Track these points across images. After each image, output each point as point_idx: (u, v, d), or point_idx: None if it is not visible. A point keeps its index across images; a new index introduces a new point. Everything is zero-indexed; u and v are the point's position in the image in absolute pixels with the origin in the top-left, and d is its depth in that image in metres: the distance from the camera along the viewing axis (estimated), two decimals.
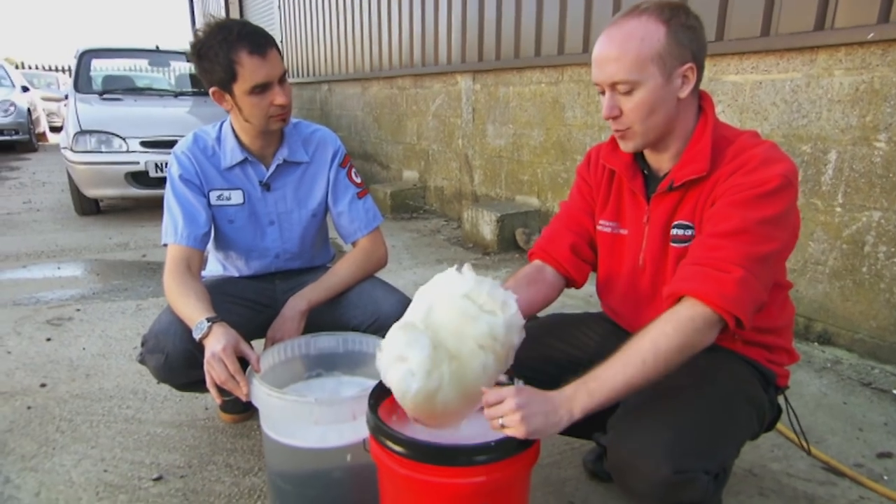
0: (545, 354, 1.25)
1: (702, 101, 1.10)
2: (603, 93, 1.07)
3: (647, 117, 1.04)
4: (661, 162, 1.13)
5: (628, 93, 1.03)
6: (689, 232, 1.08)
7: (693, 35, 1.02)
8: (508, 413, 0.92)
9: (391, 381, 0.99)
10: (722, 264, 0.96)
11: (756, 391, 1.10)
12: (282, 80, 1.44)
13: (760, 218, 0.96)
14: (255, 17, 9.84)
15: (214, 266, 1.75)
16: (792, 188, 0.99)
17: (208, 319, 1.31)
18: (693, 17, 1.03)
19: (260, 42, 1.38)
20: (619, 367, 0.95)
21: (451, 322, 0.98)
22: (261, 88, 1.40)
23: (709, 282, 0.95)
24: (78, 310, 2.73)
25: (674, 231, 1.10)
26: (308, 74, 7.73)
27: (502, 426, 0.92)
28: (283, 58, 1.47)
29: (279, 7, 8.54)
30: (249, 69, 1.37)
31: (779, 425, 1.28)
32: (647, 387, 0.95)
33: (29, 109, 9.31)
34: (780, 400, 1.22)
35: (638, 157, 1.17)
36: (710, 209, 1.03)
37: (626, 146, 1.11)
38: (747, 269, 0.95)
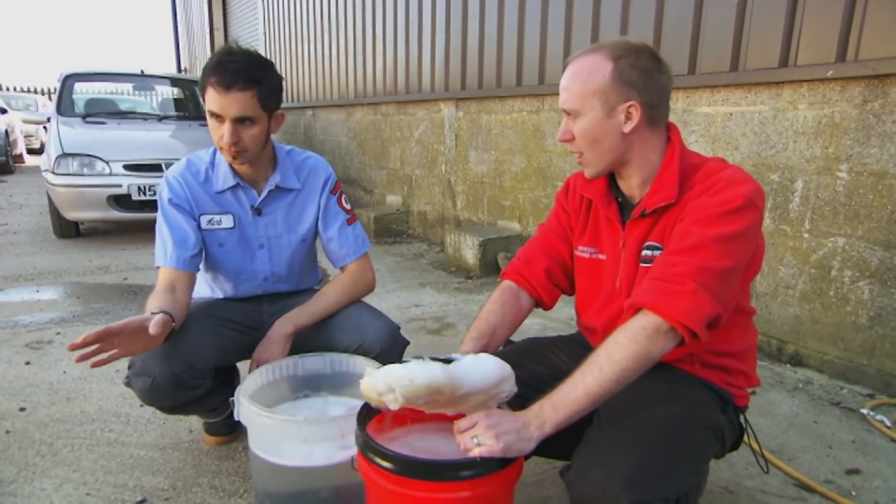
0: (521, 377, 1.29)
1: (669, 132, 1.17)
2: None
3: (592, 146, 1.13)
4: (631, 189, 1.20)
5: (575, 119, 1.13)
6: (657, 252, 1.14)
7: (643, 76, 1.08)
8: (482, 433, 0.97)
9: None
10: (676, 278, 1.00)
11: (713, 414, 1.12)
12: (240, 120, 1.44)
13: (718, 235, 1.01)
14: (240, 41, 9.92)
15: (202, 288, 1.76)
16: (754, 208, 1.03)
17: (153, 314, 1.30)
18: (647, 59, 1.08)
19: (226, 80, 1.41)
20: (578, 379, 1.00)
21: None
22: (214, 116, 1.46)
23: (661, 294, 1.00)
24: (58, 333, 2.70)
25: (644, 252, 1.16)
26: (292, 100, 7.81)
27: (477, 444, 0.96)
28: (264, 106, 1.46)
29: (264, 33, 8.65)
30: (209, 96, 1.45)
31: (753, 444, 1.32)
32: (607, 396, 0.99)
33: (6, 131, 9.22)
34: (742, 420, 1.25)
35: (612, 185, 1.24)
36: (675, 229, 1.09)
37: (586, 172, 1.20)
38: (700, 282, 0.99)
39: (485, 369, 1.04)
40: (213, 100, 1.44)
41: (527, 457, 1.31)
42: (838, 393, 2.23)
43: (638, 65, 1.08)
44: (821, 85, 2.29)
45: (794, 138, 2.40)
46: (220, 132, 1.47)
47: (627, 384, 0.99)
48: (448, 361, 1.03)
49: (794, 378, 2.36)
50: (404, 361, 1.01)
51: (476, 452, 0.97)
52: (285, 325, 1.58)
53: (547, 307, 1.39)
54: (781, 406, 2.12)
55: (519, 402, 1.10)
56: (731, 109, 2.62)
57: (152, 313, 1.30)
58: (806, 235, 2.40)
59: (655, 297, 1.00)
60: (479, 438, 0.97)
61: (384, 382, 0.99)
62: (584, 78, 1.09)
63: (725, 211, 1.02)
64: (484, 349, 1.22)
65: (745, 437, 1.27)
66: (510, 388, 1.07)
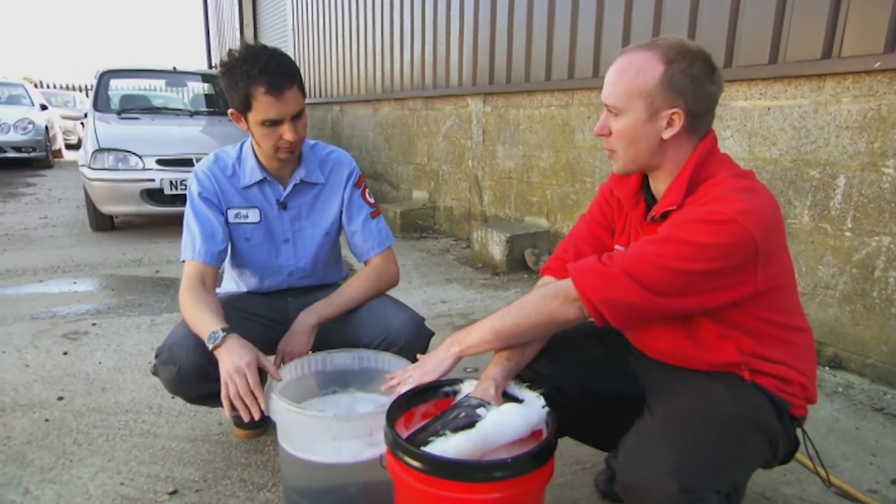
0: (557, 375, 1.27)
1: (704, 139, 1.11)
2: None
3: (628, 146, 1.10)
4: (660, 193, 1.17)
5: (616, 116, 1.10)
6: None
7: (692, 83, 1.03)
8: (412, 373, 1.21)
9: None
10: (609, 260, 1.04)
11: (767, 418, 1.09)
12: (297, 116, 1.47)
13: (682, 237, 0.98)
14: (270, 37, 10.06)
15: (228, 283, 1.78)
16: (736, 225, 0.96)
17: (223, 330, 1.34)
18: (699, 67, 1.04)
19: (279, 82, 1.40)
20: (492, 316, 1.15)
21: None
22: (271, 123, 1.45)
23: (584, 268, 1.06)
24: (94, 324, 2.77)
25: None
26: (320, 95, 7.87)
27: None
28: (304, 93, 1.49)
29: (293, 29, 8.72)
30: (263, 105, 1.42)
31: (819, 470, 1.26)
32: (511, 337, 1.13)
33: (46, 127, 9.50)
34: (799, 432, 1.19)
35: (644, 185, 1.21)
36: None
37: (614, 167, 1.18)
38: (628, 270, 0.99)
39: (511, 426, 1.09)
40: (268, 108, 1.42)
41: (574, 436, 1.34)
42: (881, 398, 2.15)
43: (690, 71, 1.03)
44: (867, 77, 2.19)
45: (836, 133, 2.31)
46: (277, 134, 1.47)
47: (528, 332, 1.13)
48: (472, 407, 1.10)
49: (833, 381, 2.28)
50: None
51: (402, 389, 1.18)
52: (309, 317, 1.58)
53: None
54: (820, 410, 2.05)
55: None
56: (769, 103, 2.53)
57: (223, 329, 1.35)
58: (848, 234, 2.31)
59: (578, 268, 1.06)
60: (410, 376, 1.20)
61: None
62: (631, 76, 1.05)
63: (701, 220, 0.99)
64: (517, 365, 1.21)
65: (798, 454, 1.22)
66: (540, 420, 1.13)
